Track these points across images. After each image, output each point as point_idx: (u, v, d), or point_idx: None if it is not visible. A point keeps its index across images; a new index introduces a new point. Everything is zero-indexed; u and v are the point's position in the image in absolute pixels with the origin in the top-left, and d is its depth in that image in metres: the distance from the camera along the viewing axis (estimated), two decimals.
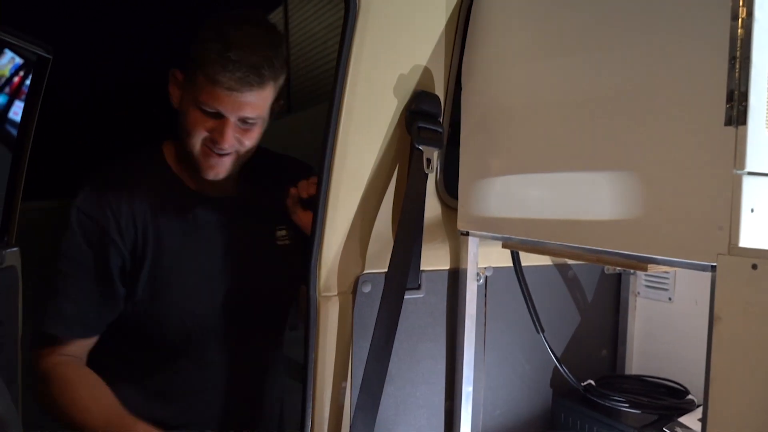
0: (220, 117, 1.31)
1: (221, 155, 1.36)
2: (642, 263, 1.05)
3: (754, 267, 0.83)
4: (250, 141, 1.38)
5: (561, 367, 1.55)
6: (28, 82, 2.26)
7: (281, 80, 1.38)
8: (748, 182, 0.86)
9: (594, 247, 1.11)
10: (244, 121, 1.34)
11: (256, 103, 1.32)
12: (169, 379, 1.49)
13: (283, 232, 1.56)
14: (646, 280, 1.77)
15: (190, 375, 1.50)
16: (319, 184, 1.25)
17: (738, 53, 0.85)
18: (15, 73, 2.28)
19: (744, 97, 0.85)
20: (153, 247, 1.37)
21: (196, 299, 1.44)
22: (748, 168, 0.85)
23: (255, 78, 1.28)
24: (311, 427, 1.30)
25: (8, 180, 2.11)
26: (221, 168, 1.38)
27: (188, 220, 1.42)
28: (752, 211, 0.87)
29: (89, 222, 1.30)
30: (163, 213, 1.39)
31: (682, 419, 1.38)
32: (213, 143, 1.33)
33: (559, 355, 1.60)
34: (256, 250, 1.53)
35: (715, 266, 0.88)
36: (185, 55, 1.35)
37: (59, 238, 1.34)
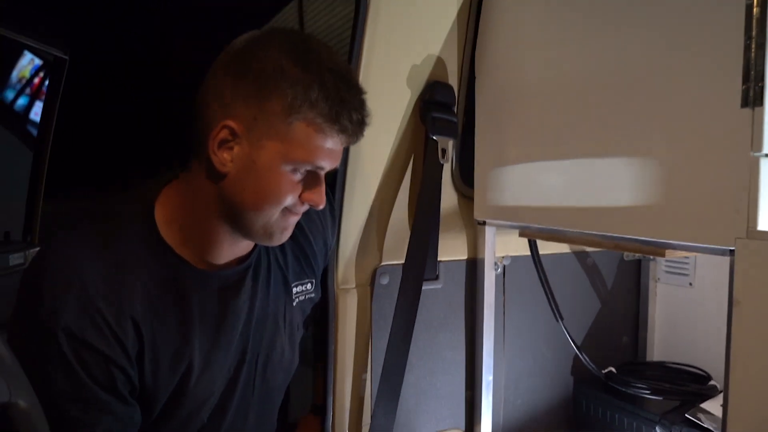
0: (314, 173, 0.95)
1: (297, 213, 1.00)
2: (660, 249, 1.04)
3: None
4: None
5: (581, 354, 1.54)
6: (47, 83, 2.31)
7: None
8: (765, 164, 0.85)
9: (612, 234, 1.11)
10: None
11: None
12: None
13: (307, 285, 1.21)
14: (666, 266, 1.75)
15: None
16: (334, 179, 1.25)
17: (754, 33, 0.84)
18: (35, 74, 2.32)
19: (760, 77, 0.84)
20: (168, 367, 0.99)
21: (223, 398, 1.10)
22: (766, 150, 0.84)
23: (367, 119, 0.93)
24: (332, 418, 1.31)
25: (30, 181, 2.16)
26: (293, 226, 1.02)
27: (211, 315, 1.04)
28: None
29: (89, 353, 0.90)
30: (182, 316, 0.99)
31: (705, 405, 1.37)
32: (298, 208, 0.98)
33: (579, 342, 1.60)
34: (284, 317, 1.18)
35: (733, 250, 0.88)
36: (237, 104, 0.89)
37: (46, 369, 0.88)
